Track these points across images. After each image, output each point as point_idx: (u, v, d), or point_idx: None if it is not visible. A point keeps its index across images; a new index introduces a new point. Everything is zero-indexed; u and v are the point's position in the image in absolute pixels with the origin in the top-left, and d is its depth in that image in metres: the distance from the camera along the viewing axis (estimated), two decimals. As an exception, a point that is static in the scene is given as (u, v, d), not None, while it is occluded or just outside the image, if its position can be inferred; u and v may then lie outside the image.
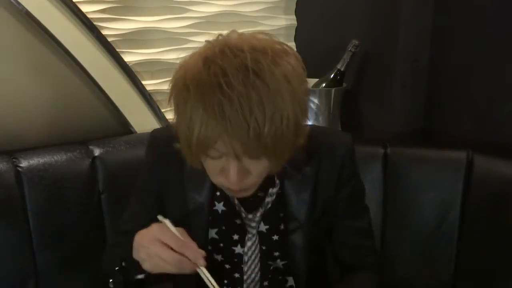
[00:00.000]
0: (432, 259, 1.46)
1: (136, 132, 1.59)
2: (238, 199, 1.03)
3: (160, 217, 0.92)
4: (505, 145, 1.48)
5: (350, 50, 1.64)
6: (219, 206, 1.05)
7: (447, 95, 1.65)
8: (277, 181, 1.04)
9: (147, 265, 0.89)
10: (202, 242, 0.97)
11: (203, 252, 0.89)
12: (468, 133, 1.57)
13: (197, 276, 0.94)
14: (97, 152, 1.41)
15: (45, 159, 1.33)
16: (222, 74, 0.80)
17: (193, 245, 0.89)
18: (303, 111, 0.88)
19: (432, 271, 1.47)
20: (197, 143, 0.84)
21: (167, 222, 0.91)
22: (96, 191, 1.40)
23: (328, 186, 1.05)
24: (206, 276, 0.89)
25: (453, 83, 1.62)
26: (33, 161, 1.32)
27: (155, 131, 1.12)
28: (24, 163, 1.31)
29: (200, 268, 0.88)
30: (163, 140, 1.06)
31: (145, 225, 0.94)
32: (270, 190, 1.03)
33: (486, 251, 1.37)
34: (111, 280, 0.97)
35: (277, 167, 0.93)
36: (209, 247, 1.07)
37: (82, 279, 1.39)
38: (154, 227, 0.91)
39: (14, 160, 1.30)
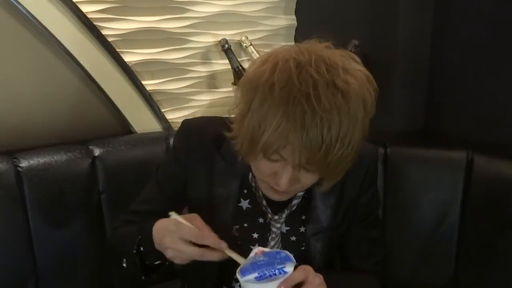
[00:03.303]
0: (432, 259, 1.46)
1: (136, 132, 1.59)
2: (265, 199, 1.04)
3: (171, 213, 0.93)
4: (505, 145, 1.48)
5: (350, 50, 1.63)
6: (244, 203, 1.07)
7: (447, 95, 1.65)
8: None
9: (177, 260, 0.92)
10: (225, 234, 0.98)
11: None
12: (468, 133, 1.57)
13: (206, 272, 0.98)
14: (97, 152, 1.41)
15: (45, 159, 1.33)
16: (313, 85, 0.82)
17: (210, 232, 0.90)
18: (364, 138, 0.91)
19: (432, 271, 1.47)
20: (265, 143, 0.85)
21: (179, 218, 0.92)
22: (96, 191, 1.40)
23: (351, 193, 1.08)
24: (232, 254, 0.91)
25: (453, 83, 1.62)
26: (33, 161, 1.32)
27: (186, 120, 1.11)
28: (24, 163, 1.31)
29: (224, 251, 0.90)
30: (194, 130, 1.07)
31: (160, 210, 0.96)
32: (298, 193, 1.05)
33: (486, 251, 1.37)
34: (124, 260, 0.99)
35: (328, 185, 0.96)
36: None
37: (82, 279, 1.39)
38: (170, 226, 0.92)
39: (14, 160, 1.30)
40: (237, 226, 1.07)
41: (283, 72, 0.84)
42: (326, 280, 0.89)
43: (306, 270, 0.86)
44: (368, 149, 1.10)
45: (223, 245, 0.90)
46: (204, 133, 1.05)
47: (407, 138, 1.69)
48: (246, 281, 0.84)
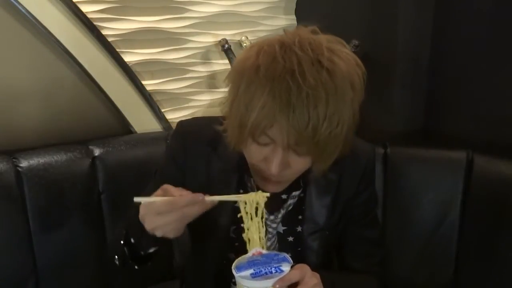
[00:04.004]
0: (432, 259, 1.46)
1: (136, 132, 1.59)
2: None
3: (135, 199, 0.89)
4: (505, 145, 1.48)
5: (350, 50, 1.63)
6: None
7: (447, 95, 1.65)
8: (301, 184, 1.05)
9: (170, 234, 0.88)
10: (223, 235, 0.98)
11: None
12: (468, 133, 1.57)
13: (205, 273, 0.97)
14: (97, 152, 1.41)
15: (45, 159, 1.33)
16: (297, 62, 0.82)
17: (181, 193, 0.87)
18: (355, 122, 0.90)
19: (432, 271, 1.47)
20: (252, 124, 0.84)
21: (144, 199, 0.88)
22: (96, 191, 1.40)
23: (347, 193, 1.07)
24: (213, 198, 0.88)
25: (453, 83, 1.62)
26: (33, 161, 1.32)
27: (182, 121, 1.11)
28: (24, 163, 1.31)
29: (206, 199, 0.87)
30: (190, 131, 1.07)
31: None
32: (294, 193, 1.05)
33: (486, 251, 1.37)
34: (116, 257, 0.98)
35: (320, 169, 0.95)
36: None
37: (82, 279, 1.39)
38: (142, 210, 0.88)
39: (14, 160, 1.30)
40: (234, 227, 1.06)
41: (268, 53, 0.84)
42: (324, 280, 0.88)
43: (303, 270, 0.86)
44: (365, 148, 1.09)
45: (200, 197, 0.86)
46: (200, 134, 1.04)
47: (407, 138, 1.69)
48: (241, 277, 0.83)
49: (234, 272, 0.84)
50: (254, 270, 0.84)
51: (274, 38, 0.88)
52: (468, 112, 1.59)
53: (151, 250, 0.96)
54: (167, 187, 0.90)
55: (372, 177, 1.11)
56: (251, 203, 0.90)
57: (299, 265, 0.86)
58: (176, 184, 1.07)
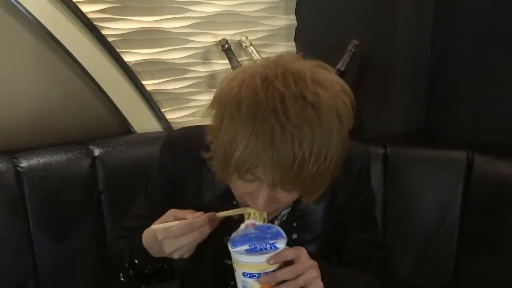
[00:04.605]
0: (432, 259, 1.46)
1: (136, 132, 1.59)
2: None
3: (153, 227, 0.92)
4: (505, 145, 1.48)
5: (350, 50, 1.64)
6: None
7: (447, 95, 1.65)
8: None
9: (186, 255, 0.92)
10: (217, 247, 0.98)
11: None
12: (468, 133, 1.57)
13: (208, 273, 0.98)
14: (97, 152, 1.41)
15: (45, 159, 1.33)
16: (280, 100, 0.78)
17: (194, 215, 0.90)
18: (344, 150, 0.86)
19: (432, 271, 1.47)
20: (236, 164, 0.81)
21: (160, 225, 0.91)
22: (96, 191, 1.40)
23: (343, 198, 1.05)
24: (224, 214, 0.92)
25: (453, 83, 1.62)
26: (33, 161, 1.32)
27: (170, 133, 1.11)
28: (24, 163, 1.31)
29: (218, 216, 0.91)
30: (179, 143, 1.06)
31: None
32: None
33: (486, 251, 1.37)
34: (121, 274, 1.01)
35: (308, 201, 0.94)
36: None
37: (82, 279, 1.39)
38: (159, 235, 0.91)
39: (14, 160, 1.30)
40: (228, 237, 1.06)
41: (250, 87, 0.80)
42: (323, 269, 0.88)
43: (300, 250, 0.86)
44: (358, 150, 1.07)
45: (212, 216, 0.90)
46: (189, 145, 1.02)
47: (407, 138, 1.69)
48: (236, 252, 0.84)
49: (229, 247, 0.85)
50: (249, 246, 0.84)
51: (256, 68, 0.83)
52: (468, 112, 1.59)
53: (160, 266, 1.00)
54: (175, 212, 0.93)
55: (368, 179, 1.09)
56: (255, 213, 0.91)
57: (296, 246, 0.87)
58: (166, 196, 1.08)
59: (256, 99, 0.79)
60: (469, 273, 1.42)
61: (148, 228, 0.95)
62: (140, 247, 0.96)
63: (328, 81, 0.83)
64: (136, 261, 0.99)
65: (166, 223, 0.91)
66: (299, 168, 0.79)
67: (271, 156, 0.79)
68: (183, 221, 0.89)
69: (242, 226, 0.90)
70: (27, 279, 1.31)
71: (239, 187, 0.89)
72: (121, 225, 1.13)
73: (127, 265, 1.00)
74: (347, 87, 0.86)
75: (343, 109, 0.83)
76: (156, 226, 0.91)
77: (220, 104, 0.85)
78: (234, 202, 1.03)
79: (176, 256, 0.91)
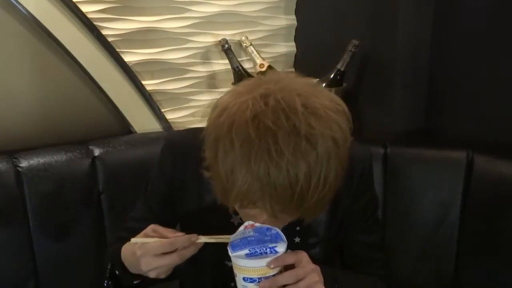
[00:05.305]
0: (432, 259, 1.46)
1: (136, 132, 1.59)
2: None
3: (132, 240, 0.91)
4: (505, 145, 1.48)
5: (350, 50, 1.63)
6: (236, 219, 1.04)
7: (447, 95, 1.65)
8: None
9: (162, 275, 0.90)
10: (218, 253, 0.97)
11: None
12: (468, 133, 1.57)
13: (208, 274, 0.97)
14: (97, 152, 1.41)
15: (45, 159, 1.34)
16: (273, 139, 0.76)
17: (176, 235, 0.89)
18: (344, 170, 0.84)
19: (432, 271, 1.47)
20: (235, 198, 0.81)
21: (139, 239, 0.90)
22: (96, 191, 1.40)
23: (345, 202, 1.04)
24: (208, 239, 0.89)
25: (453, 83, 1.62)
26: (33, 161, 1.32)
27: (170, 134, 1.09)
28: (24, 163, 1.31)
29: (202, 240, 0.89)
30: (179, 144, 1.05)
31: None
32: None
33: (486, 251, 1.37)
34: (106, 281, 1.00)
35: (309, 220, 0.93)
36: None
37: (82, 279, 1.39)
38: (137, 251, 0.89)
39: (14, 160, 1.30)
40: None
41: (241, 127, 0.78)
42: (325, 273, 0.87)
43: (300, 254, 0.85)
44: (361, 153, 1.05)
45: (194, 238, 0.88)
46: (189, 147, 1.00)
47: (407, 138, 1.69)
48: (237, 256, 0.83)
49: (229, 251, 0.84)
50: (249, 250, 0.83)
51: (245, 102, 0.80)
52: (468, 112, 1.59)
53: (135, 283, 0.98)
54: (156, 227, 0.91)
55: (370, 181, 1.08)
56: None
57: (296, 250, 0.86)
58: (166, 198, 1.07)
59: (248, 139, 0.77)
60: (469, 273, 1.41)
61: (129, 242, 0.93)
62: (120, 260, 0.95)
63: (321, 106, 0.80)
64: (117, 272, 0.98)
65: (146, 238, 0.89)
66: (299, 200, 0.79)
67: (269, 193, 0.78)
68: (164, 240, 0.88)
69: (241, 228, 0.88)
70: (27, 279, 1.31)
71: (240, 212, 0.90)
72: (123, 226, 1.13)
73: (108, 275, 0.99)
74: (340, 104, 0.84)
75: (338, 133, 0.80)
76: (135, 239, 0.90)
77: (213, 138, 0.83)
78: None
79: (152, 275, 0.89)
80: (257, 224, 0.88)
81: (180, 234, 0.89)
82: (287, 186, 0.77)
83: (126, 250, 0.95)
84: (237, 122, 0.79)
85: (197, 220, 1.05)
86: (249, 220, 0.89)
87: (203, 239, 0.89)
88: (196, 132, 1.04)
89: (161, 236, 0.89)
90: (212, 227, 1.00)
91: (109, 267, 1.00)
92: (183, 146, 1.04)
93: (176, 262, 0.88)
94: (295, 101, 0.79)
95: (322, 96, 0.83)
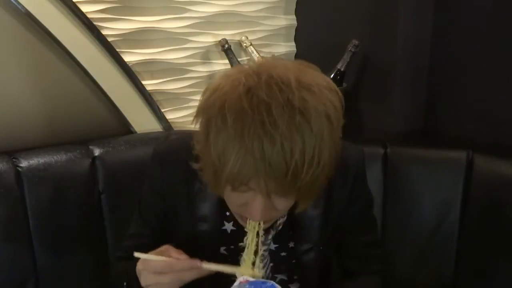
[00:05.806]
0: (432, 259, 1.46)
1: (136, 132, 1.59)
2: None
3: (135, 254, 0.91)
4: (505, 145, 1.48)
5: (350, 50, 1.64)
6: (228, 226, 1.03)
7: (447, 95, 1.65)
8: None
9: None
10: (211, 258, 0.96)
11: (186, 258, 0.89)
12: (468, 133, 1.57)
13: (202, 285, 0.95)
14: (97, 152, 1.41)
15: (45, 159, 1.33)
16: (267, 111, 0.75)
17: (180, 257, 0.88)
18: (337, 151, 0.84)
19: (432, 271, 1.47)
20: (227, 178, 0.79)
21: (143, 255, 0.90)
22: (96, 191, 1.40)
23: (338, 203, 1.03)
24: (210, 266, 0.89)
25: (453, 83, 1.62)
26: (33, 161, 1.32)
27: (156, 147, 1.07)
28: (24, 163, 1.31)
29: (204, 267, 0.88)
30: (167, 157, 1.03)
31: (148, 244, 0.95)
32: None
33: (486, 251, 1.38)
34: None
35: (306, 206, 0.92)
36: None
37: (82, 280, 1.39)
38: (139, 265, 0.91)
39: (14, 160, 1.30)
40: (224, 247, 1.04)
41: (233, 100, 0.77)
42: None
43: None
44: (353, 153, 1.04)
45: (198, 263, 0.87)
46: (178, 157, 0.99)
47: (407, 138, 1.69)
48: None
49: None
50: None
51: (238, 77, 0.80)
52: (468, 112, 1.59)
53: None
54: (168, 248, 0.91)
55: (364, 182, 1.07)
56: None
57: None
58: (159, 212, 1.06)
59: (242, 112, 0.76)
60: (469, 273, 1.42)
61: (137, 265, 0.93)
62: (135, 275, 0.94)
63: (314, 83, 0.80)
64: None
65: (147, 255, 0.90)
66: (294, 177, 0.77)
67: (263, 169, 0.76)
68: (165, 258, 0.88)
69: (236, 283, 0.87)
70: (27, 279, 1.31)
71: (233, 199, 0.87)
72: (121, 245, 1.12)
73: None
74: (333, 84, 0.84)
75: (331, 110, 0.80)
76: (137, 254, 0.90)
77: (204, 119, 0.82)
78: (227, 213, 1.01)
79: None
80: (251, 279, 0.87)
81: (184, 257, 0.89)
82: (282, 161, 0.76)
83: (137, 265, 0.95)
84: (230, 98, 0.78)
85: (188, 228, 1.03)
86: (245, 215, 0.87)
87: (205, 266, 0.88)
88: (181, 140, 1.03)
89: (168, 256, 0.89)
90: (204, 234, 1.00)
91: (125, 284, 0.99)
92: (170, 157, 1.03)
93: (176, 283, 0.89)
94: (289, 76, 0.79)
95: (316, 75, 0.83)
